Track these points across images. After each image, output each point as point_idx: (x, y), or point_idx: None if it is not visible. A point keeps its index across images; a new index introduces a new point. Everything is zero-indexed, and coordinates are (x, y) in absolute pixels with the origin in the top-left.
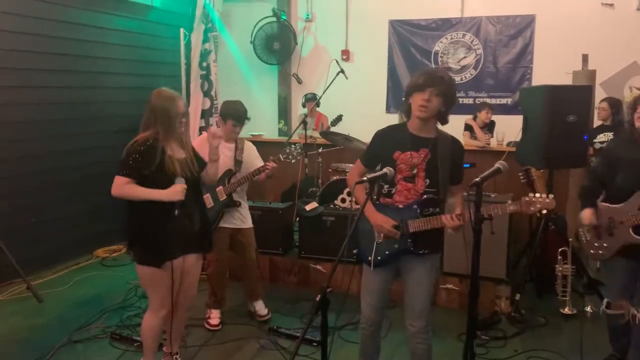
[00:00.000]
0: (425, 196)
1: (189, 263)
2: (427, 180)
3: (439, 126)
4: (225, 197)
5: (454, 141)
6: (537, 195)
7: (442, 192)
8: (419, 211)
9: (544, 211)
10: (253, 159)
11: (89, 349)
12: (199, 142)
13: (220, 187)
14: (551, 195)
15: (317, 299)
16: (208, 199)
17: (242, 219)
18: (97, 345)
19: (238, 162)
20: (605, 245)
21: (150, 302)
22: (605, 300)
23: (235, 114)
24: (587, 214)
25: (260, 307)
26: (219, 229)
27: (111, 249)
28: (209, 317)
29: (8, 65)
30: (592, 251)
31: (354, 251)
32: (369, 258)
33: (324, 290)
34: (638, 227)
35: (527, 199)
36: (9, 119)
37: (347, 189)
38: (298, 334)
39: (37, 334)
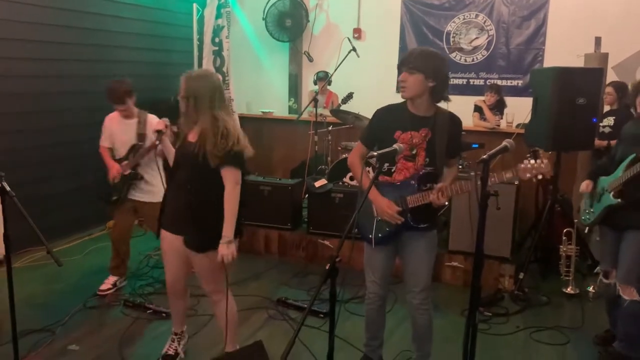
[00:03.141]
0: (422, 172)
1: (190, 256)
2: (427, 159)
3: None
4: (130, 170)
5: (452, 117)
6: (532, 161)
7: (439, 168)
8: (416, 186)
9: (540, 176)
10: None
11: (103, 314)
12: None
13: (125, 161)
14: (546, 161)
15: (327, 267)
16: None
17: (149, 192)
18: (111, 311)
19: (141, 136)
20: (592, 210)
21: None
22: (601, 269)
23: (108, 97)
24: (584, 183)
25: (108, 281)
26: (127, 199)
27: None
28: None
29: (26, 37)
30: (582, 217)
31: (355, 230)
32: (370, 236)
33: (333, 259)
34: (621, 193)
35: (522, 165)
36: (27, 91)
37: None
38: (305, 306)
39: (53, 299)
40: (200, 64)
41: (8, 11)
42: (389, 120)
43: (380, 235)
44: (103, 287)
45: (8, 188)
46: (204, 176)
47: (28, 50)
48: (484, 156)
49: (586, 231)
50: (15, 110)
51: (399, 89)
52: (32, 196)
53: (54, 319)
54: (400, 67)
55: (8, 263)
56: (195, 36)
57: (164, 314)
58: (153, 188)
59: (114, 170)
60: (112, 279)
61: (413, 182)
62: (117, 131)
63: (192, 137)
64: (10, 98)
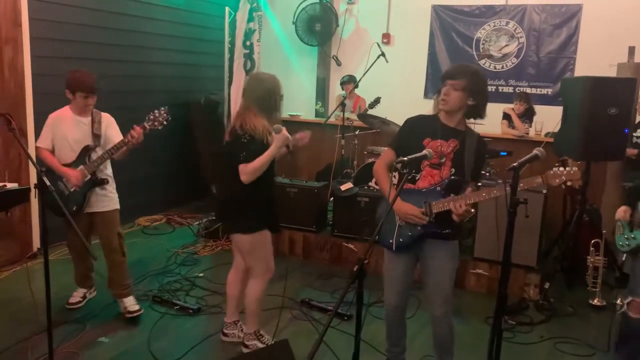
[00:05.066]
0: (449, 178)
1: None
2: (453, 170)
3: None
4: (90, 176)
5: (480, 138)
6: (562, 168)
7: (465, 179)
8: (442, 193)
9: (569, 183)
10: (111, 130)
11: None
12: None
13: (81, 166)
14: (575, 168)
15: (354, 269)
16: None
17: (105, 201)
18: (140, 306)
19: (96, 137)
20: (632, 236)
21: (256, 270)
22: (630, 298)
23: (83, 85)
24: (621, 209)
25: (131, 304)
26: (83, 214)
27: (152, 218)
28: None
29: (66, 37)
30: (620, 242)
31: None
32: (391, 241)
33: (361, 261)
34: None
35: (551, 171)
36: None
37: None
38: (328, 307)
39: None
40: (231, 67)
41: (49, 12)
42: (419, 127)
43: (401, 240)
44: (72, 300)
45: (48, 183)
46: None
47: (68, 50)
48: (514, 164)
49: (624, 258)
50: (56, 108)
51: (427, 94)
52: None
53: (85, 312)
54: (445, 80)
55: (45, 256)
56: (227, 39)
57: (190, 311)
58: (109, 194)
59: (73, 177)
60: (81, 292)
61: (439, 189)
62: (68, 130)
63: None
64: (52, 97)
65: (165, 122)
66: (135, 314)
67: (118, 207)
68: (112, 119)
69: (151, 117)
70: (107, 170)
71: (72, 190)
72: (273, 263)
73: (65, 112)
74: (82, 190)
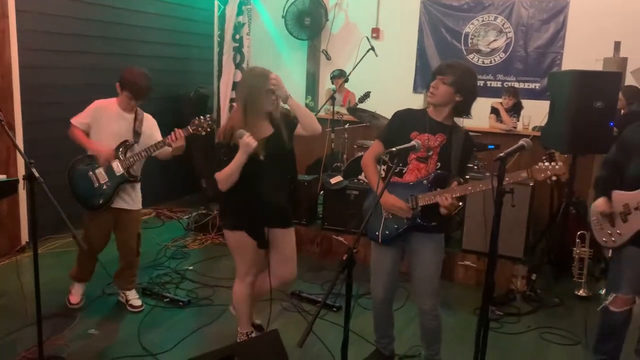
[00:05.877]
0: (435, 173)
1: (277, 237)
2: (439, 164)
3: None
4: (123, 171)
5: (468, 135)
6: (547, 163)
7: (451, 172)
8: (429, 186)
9: (554, 178)
10: (153, 131)
11: (121, 302)
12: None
13: (116, 160)
14: (561, 163)
15: (344, 258)
16: (102, 174)
17: (133, 199)
18: (142, 302)
19: (137, 134)
20: (618, 232)
21: (238, 270)
22: (613, 295)
23: (133, 87)
24: (601, 202)
25: (134, 297)
26: (109, 208)
27: (142, 212)
28: (70, 293)
29: (53, 30)
30: (604, 239)
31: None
32: (377, 233)
33: (350, 250)
34: None
35: (537, 166)
36: (56, 82)
37: None
38: (318, 299)
39: None
40: (220, 60)
41: (36, 4)
42: (407, 120)
43: (387, 232)
44: (74, 299)
45: (37, 174)
46: (290, 159)
47: (55, 43)
48: (501, 154)
49: (610, 254)
50: (43, 100)
51: (416, 88)
52: (55, 185)
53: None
54: (435, 75)
55: (34, 248)
56: (216, 32)
57: (180, 303)
58: (137, 194)
59: (104, 153)
60: (79, 288)
61: (426, 182)
62: (110, 122)
63: (260, 134)
64: (39, 89)
65: (208, 129)
66: (136, 310)
67: (141, 207)
68: (154, 120)
69: (195, 122)
70: (139, 170)
71: (102, 182)
72: (252, 270)
73: (112, 103)
74: (112, 185)
